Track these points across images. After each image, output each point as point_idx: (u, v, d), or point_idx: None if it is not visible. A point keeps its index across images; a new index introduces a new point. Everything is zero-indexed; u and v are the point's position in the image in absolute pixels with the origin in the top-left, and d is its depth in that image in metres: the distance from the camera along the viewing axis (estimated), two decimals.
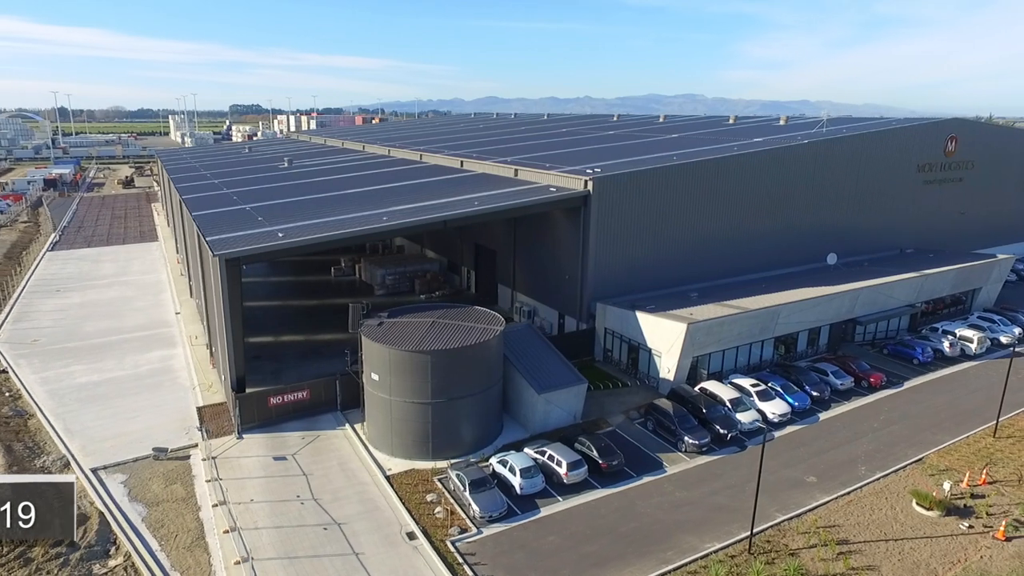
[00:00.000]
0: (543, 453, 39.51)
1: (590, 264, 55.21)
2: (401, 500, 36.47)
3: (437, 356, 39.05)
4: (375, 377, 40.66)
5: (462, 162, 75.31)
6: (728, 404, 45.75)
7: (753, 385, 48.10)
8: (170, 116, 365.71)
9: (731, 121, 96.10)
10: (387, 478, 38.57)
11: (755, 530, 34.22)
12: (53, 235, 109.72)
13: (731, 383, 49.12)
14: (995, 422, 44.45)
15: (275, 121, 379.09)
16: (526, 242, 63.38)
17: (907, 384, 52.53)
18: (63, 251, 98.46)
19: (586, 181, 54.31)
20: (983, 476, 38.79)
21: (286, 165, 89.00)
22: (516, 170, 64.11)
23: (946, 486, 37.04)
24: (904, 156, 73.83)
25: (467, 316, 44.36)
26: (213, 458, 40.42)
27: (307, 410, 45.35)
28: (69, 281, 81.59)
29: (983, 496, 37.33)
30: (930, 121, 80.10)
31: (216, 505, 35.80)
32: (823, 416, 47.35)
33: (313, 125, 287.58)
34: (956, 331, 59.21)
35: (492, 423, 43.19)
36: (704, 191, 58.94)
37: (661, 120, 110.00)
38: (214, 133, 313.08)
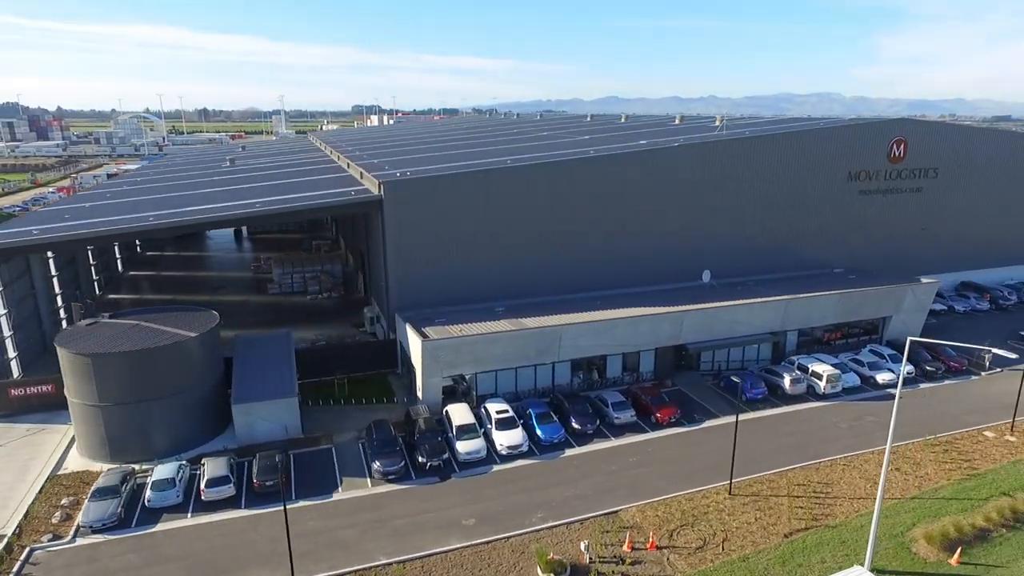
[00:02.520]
0: (203, 466, 38.22)
1: (391, 271, 52.76)
2: (35, 501, 36.51)
3: (100, 359, 38.69)
4: (64, 378, 41.06)
5: (348, 164, 74.59)
6: (455, 430, 42.07)
7: (499, 412, 43.88)
8: (272, 116, 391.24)
9: (677, 122, 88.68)
10: (49, 477, 38.79)
11: (340, 572, 31.31)
12: None
13: (484, 408, 45.15)
14: (729, 480, 37.75)
15: (367, 120, 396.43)
16: (372, 248, 61.79)
17: (706, 423, 45.94)
18: None
19: (380, 185, 51.95)
20: (652, 539, 33.03)
21: (227, 165, 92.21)
22: (361, 172, 62.49)
23: (583, 546, 31.92)
24: (827, 162, 64.65)
25: (179, 321, 43.69)
26: None
27: (56, 404, 46.41)
28: None
29: (628, 562, 31.76)
30: (863, 122, 69.78)
31: None
32: (571, 452, 42.36)
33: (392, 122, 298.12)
34: (810, 366, 51.09)
35: (196, 428, 42.22)
36: (531, 197, 54.42)
37: (622, 120, 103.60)
38: (296, 131, 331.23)
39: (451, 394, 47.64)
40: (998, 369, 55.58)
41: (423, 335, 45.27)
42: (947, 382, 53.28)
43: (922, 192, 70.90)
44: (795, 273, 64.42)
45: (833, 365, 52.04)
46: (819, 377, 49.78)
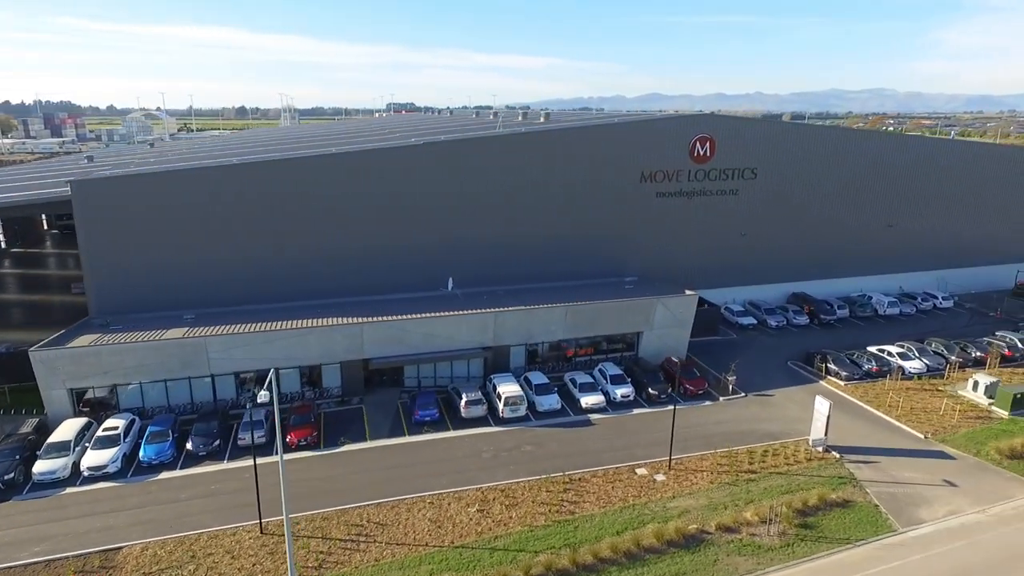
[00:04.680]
0: None
1: (85, 275, 50.40)
2: None
3: None
4: None
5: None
6: (43, 447, 39.26)
7: (106, 428, 40.90)
8: (282, 113, 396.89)
9: (519, 119, 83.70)
10: None
11: None
12: None
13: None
14: (259, 519, 33.72)
15: (377, 116, 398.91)
16: None
17: (345, 448, 41.85)
18: None
19: (69, 183, 49.52)
20: None
21: (84, 163, 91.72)
22: None
23: None
24: (615, 162, 59.26)
25: None
26: None
27: None
28: None
29: None
30: (658, 119, 64.06)
31: None
32: (168, 475, 39.01)
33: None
34: (497, 385, 46.37)
35: None
36: (243, 200, 50.94)
37: (491, 118, 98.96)
38: None
39: (104, 407, 45.00)
40: (742, 394, 49.69)
41: (46, 344, 42.64)
42: (671, 407, 47.68)
43: (739, 195, 64.74)
44: (575, 282, 59.31)
45: (539, 385, 47.29)
46: (499, 399, 45.10)
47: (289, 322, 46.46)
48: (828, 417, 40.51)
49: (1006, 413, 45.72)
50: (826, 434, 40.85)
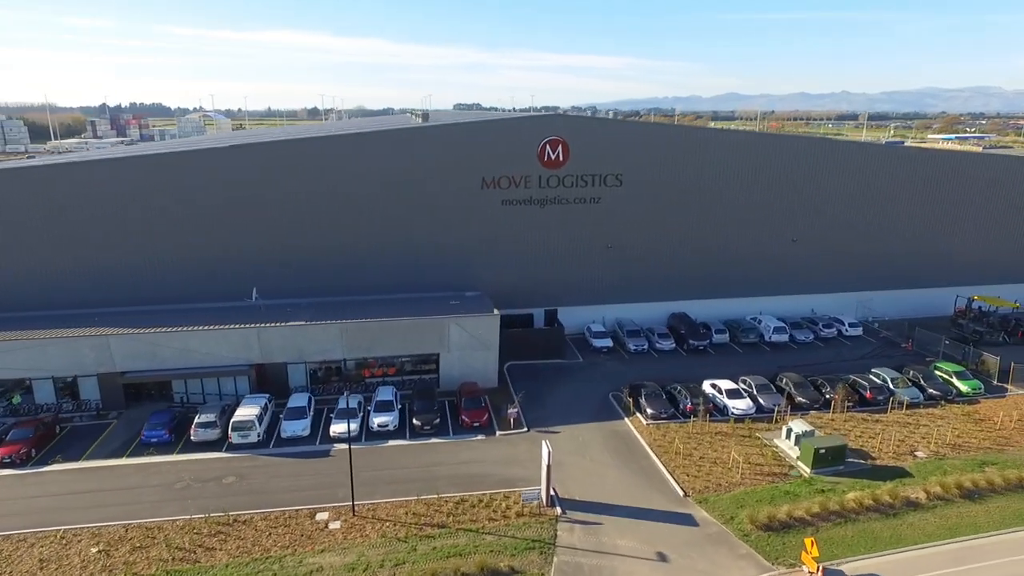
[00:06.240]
0: None
1: None
2: None
3: None
4: None
5: None
6: None
7: None
8: (323, 112, 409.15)
9: (417, 119, 79.61)
10: None
11: None
12: None
13: None
14: None
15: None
16: None
17: (56, 467, 39.66)
18: None
19: None
20: None
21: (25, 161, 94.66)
22: None
23: None
24: (452, 167, 54.83)
25: None
26: None
27: None
28: None
29: None
30: (499, 120, 58.63)
31: None
32: None
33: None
34: (244, 409, 42.95)
35: None
36: (40, 203, 49.61)
37: (412, 117, 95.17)
38: None
39: None
40: (524, 429, 44.31)
41: None
42: (435, 440, 43.04)
43: (602, 203, 58.75)
44: (403, 295, 55.26)
45: (291, 409, 43.68)
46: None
47: (28, 332, 44.69)
48: (548, 467, 34.94)
49: (808, 470, 38.58)
50: (548, 485, 35.28)
